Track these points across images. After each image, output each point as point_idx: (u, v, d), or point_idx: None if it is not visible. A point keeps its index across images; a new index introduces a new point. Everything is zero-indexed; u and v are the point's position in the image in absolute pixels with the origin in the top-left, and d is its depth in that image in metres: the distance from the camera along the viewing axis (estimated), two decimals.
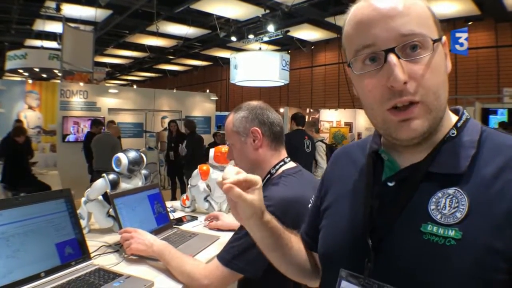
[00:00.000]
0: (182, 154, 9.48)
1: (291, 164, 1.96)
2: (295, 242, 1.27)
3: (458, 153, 0.92)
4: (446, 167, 0.91)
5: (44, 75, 18.08)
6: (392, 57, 0.86)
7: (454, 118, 1.00)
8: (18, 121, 10.14)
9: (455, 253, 0.82)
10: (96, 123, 10.14)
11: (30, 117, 11.50)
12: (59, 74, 16.05)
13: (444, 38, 0.95)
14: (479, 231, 0.81)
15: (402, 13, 0.87)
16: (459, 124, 0.97)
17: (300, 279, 1.34)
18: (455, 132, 0.96)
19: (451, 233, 0.83)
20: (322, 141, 7.88)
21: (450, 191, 0.88)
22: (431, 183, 0.91)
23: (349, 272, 0.97)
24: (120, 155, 2.60)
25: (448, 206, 0.86)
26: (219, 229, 2.54)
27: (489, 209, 0.83)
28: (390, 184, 0.97)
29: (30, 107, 12.38)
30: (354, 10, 0.96)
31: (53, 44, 16.54)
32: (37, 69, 17.16)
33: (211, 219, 2.70)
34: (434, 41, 0.89)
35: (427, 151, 0.95)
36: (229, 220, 2.56)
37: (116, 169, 2.59)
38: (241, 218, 1.09)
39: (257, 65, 13.92)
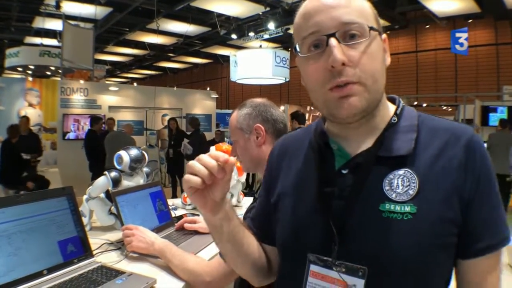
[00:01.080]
0: (188, 152, 9.44)
1: None
2: (252, 239, 1.26)
3: (402, 137, 1.01)
4: (394, 150, 1.00)
5: (38, 72, 17.99)
6: (332, 40, 0.94)
7: (391, 106, 1.10)
8: (23, 117, 10.13)
9: (413, 225, 0.92)
10: (97, 120, 10.16)
11: (31, 115, 11.48)
12: (52, 69, 16.08)
13: (384, 35, 1.05)
14: (431, 204, 0.93)
15: (344, 5, 0.97)
16: (398, 112, 1.07)
17: (258, 277, 1.31)
18: (396, 118, 1.06)
19: (407, 208, 0.93)
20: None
21: (401, 172, 0.97)
22: (382, 166, 1.00)
23: (317, 256, 1.02)
24: (122, 153, 2.60)
25: (401, 185, 0.96)
26: (197, 232, 2.48)
27: (437, 184, 0.95)
28: (344, 172, 1.03)
29: (31, 105, 12.41)
30: (303, 5, 1.04)
31: (53, 42, 16.53)
32: (31, 67, 17.12)
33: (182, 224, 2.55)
34: (372, 28, 0.97)
35: (373, 138, 1.03)
36: None
37: (118, 167, 2.59)
38: (210, 209, 1.05)
39: (252, 63, 13.97)
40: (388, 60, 1.06)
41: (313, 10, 0.99)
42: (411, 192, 0.94)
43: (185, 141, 9.57)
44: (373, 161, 1.00)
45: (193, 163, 0.98)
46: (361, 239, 0.96)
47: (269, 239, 1.24)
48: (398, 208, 0.94)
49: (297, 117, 7.76)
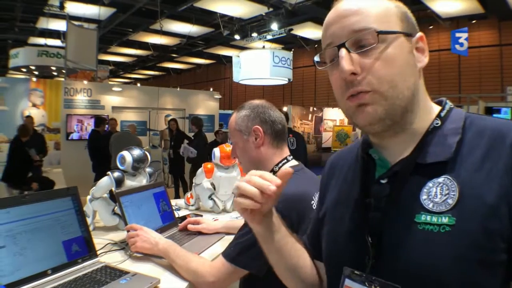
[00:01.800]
0: (191, 155, 9.41)
1: (294, 162, 1.98)
2: (302, 252, 1.26)
3: (443, 141, 0.94)
4: (433, 156, 0.93)
5: (40, 73, 18.01)
6: (342, 51, 0.93)
7: (436, 109, 1.03)
8: (28, 117, 10.16)
9: (450, 238, 0.84)
10: (102, 121, 10.19)
11: (34, 115, 11.48)
12: (54, 69, 16.07)
13: (419, 34, 0.99)
14: (472, 215, 0.83)
15: (356, 12, 0.94)
16: (442, 114, 1.00)
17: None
18: (439, 122, 0.98)
19: (445, 220, 0.85)
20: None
21: (440, 179, 0.90)
22: (421, 174, 0.93)
23: (351, 270, 0.98)
24: (125, 153, 2.61)
25: (439, 194, 0.88)
26: (201, 232, 2.48)
27: (480, 191, 0.84)
28: (383, 182, 0.99)
29: (34, 105, 12.42)
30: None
31: (57, 42, 16.55)
32: (32, 67, 17.13)
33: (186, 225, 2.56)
34: (384, 32, 0.93)
35: (413, 143, 0.98)
36: (214, 223, 2.53)
37: (121, 167, 2.61)
38: (258, 222, 1.09)
39: (252, 63, 13.99)
40: (424, 60, 0.99)
41: (329, 21, 0.99)
42: (450, 201, 0.86)
43: (185, 142, 9.45)
44: (410, 169, 0.95)
45: (244, 186, 0.98)
46: (395, 254, 0.91)
47: (319, 255, 1.22)
48: (434, 219, 0.87)
49: (196, 122, 8.94)
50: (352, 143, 1.35)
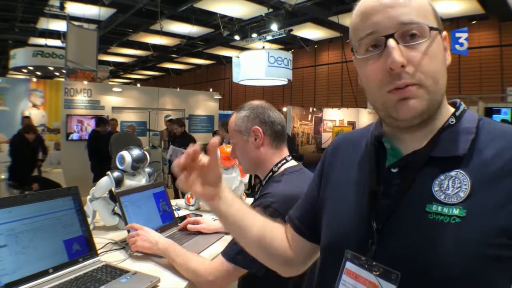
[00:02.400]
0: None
1: (293, 163, 2.00)
2: (270, 227, 1.31)
3: (458, 138, 0.96)
4: (447, 151, 0.94)
5: (39, 73, 17.99)
6: (391, 42, 0.91)
7: (451, 109, 1.04)
8: (26, 117, 10.19)
9: (460, 230, 0.85)
10: (103, 121, 10.20)
11: (35, 115, 11.54)
12: (51, 69, 16.06)
13: (444, 32, 1.00)
14: (482, 209, 0.85)
15: (403, 4, 0.93)
16: (457, 113, 1.01)
17: (269, 261, 1.36)
18: (454, 120, 1.00)
19: (456, 211, 0.87)
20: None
21: (453, 173, 0.91)
22: (433, 167, 0.95)
23: (353, 253, 1.00)
24: (124, 153, 2.63)
25: (451, 186, 0.90)
26: (200, 232, 2.49)
27: (491, 187, 0.86)
28: (394, 170, 1.00)
29: (35, 105, 12.46)
30: (360, 3, 1.01)
31: (57, 43, 16.56)
32: (31, 68, 17.12)
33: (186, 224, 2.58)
34: (432, 28, 0.94)
35: (428, 138, 0.99)
36: (213, 223, 2.54)
37: (120, 167, 2.62)
38: (210, 195, 1.17)
39: (248, 64, 13.97)
40: (449, 59, 1.02)
41: (370, 9, 0.96)
42: (461, 194, 0.88)
43: (172, 147, 9.30)
44: (424, 161, 0.96)
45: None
46: (401, 241, 0.92)
47: (308, 233, 1.27)
48: (446, 210, 0.88)
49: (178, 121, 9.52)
50: (356, 129, 1.37)
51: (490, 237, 0.83)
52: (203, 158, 1.11)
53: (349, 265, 1.01)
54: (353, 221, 1.04)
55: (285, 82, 15.03)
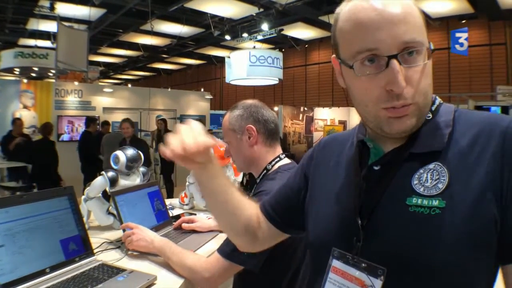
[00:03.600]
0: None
1: (286, 160, 2.02)
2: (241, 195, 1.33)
3: (435, 133, 0.97)
4: (426, 146, 0.96)
5: (26, 74, 17.86)
6: (395, 64, 0.90)
7: None
8: (18, 119, 10.14)
9: (440, 221, 0.87)
10: (93, 121, 10.19)
11: (25, 117, 11.46)
12: (36, 69, 15.96)
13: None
14: (462, 198, 0.87)
15: (404, 21, 0.91)
16: (433, 108, 1.03)
17: (235, 236, 1.40)
18: (430, 115, 1.01)
19: (435, 202, 0.89)
20: None
21: (431, 166, 0.93)
22: (413, 162, 0.97)
23: (339, 251, 1.02)
24: (118, 152, 2.64)
25: (430, 179, 0.92)
26: (195, 231, 2.51)
27: (469, 176, 0.89)
28: (376, 168, 1.03)
29: (25, 107, 12.36)
30: (352, 8, 0.97)
31: (47, 43, 16.46)
32: (17, 69, 16.97)
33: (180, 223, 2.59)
34: (430, 49, 0.95)
35: (407, 136, 1.00)
36: (208, 221, 2.56)
37: (115, 167, 2.63)
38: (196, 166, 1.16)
39: (234, 64, 13.97)
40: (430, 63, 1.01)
41: (371, 23, 0.92)
42: (440, 186, 0.90)
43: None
44: (404, 157, 0.98)
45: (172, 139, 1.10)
46: (385, 236, 0.94)
47: (275, 221, 1.31)
48: (425, 202, 0.90)
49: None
50: (343, 131, 1.39)
51: (472, 225, 0.85)
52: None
53: (335, 263, 1.02)
54: (338, 219, 1.06)
55: (275, 82, 15.00)
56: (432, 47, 0.98)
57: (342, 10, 1.00)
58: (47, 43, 16.49)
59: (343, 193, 1.09)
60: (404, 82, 0.90)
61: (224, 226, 1.38)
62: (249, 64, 13.40)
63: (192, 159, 1.09)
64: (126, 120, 8.55)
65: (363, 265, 0.95)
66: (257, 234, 1.34)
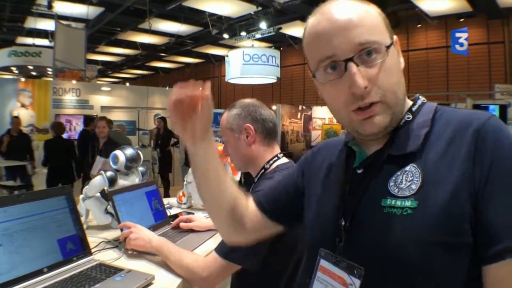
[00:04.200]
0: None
1: (284, 160, 2.02)
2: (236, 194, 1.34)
3: (412, 134, 1.00)
4: (403, 148, 0.99)
5: (34, 73, 17.86)
6: (351, 66, 0.95)
7: (410, 104, 1.09)
8: (16, 117, 10.13)
9: (412, 221, 0.89)
10: (92, 120, 10.20)
11: (23, 115, 11.46)
12: (31, 68, 15.94)
13: (395, 37, 1.04)
14: (434, 199, 0.88)
15: (357, 25, 0.96)
16: (413, 109, 1.06)
17: (223, 223, 1.39)
18: (410, 116, 1.05)
19: (407, 203, 0.91)
20: None
21: (407, 168, 0.96)
22: (392, 165, 1.00)
23: (325, 251, 1.06)
24: (118, 152, 2.63)
25: (405, 180, 0.95)
26: (193, 230, 2.51)
27: (442, 177, 0.90)
28: (359, 171, 1.07)
29: (23, 105, 12.37)
30: (312, 23, 1.04)
31: (45, 42, 16.43)
32: (13, 68, 16.95)
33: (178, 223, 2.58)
34: (387, 46, 0.98)
35: (388, 138, 1.04)
36: (206, 221, 2.56)
37: (114, 166, 2.62)
38: (194, 136, 1.17)
39: (230, 63, 14.03)
40: (402, 62, 1.06)
41: (326, 32, 0.98)
42: (413, 186, 0.92)
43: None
44: (383, 160, 1.01)
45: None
46: (363, 236, 0.97)
47: (269, 213, 1.33)
48: (398, 203, 0.92)
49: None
50: (340, 136, 1.42)
51: (444, 226, 0.86)
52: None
53: (322, 262, 1.07)
54: (326, 221, 1.10)
55: (273, 80, 15.02)
56: (395, 46, 1.03)
57: (306, 27, 1.07)
58: (45, 42, 16.46)
59: (330, 196, 1.12)
60: (363, 82, 0.94)
61: (210, 205, 1.37)
62: (242, 63, 13.45)
63: (194, 122, 1.12)
64: (102, 118, 8.15)
65: (344, 264, 0.99)
66: (244, 221, 1.34)
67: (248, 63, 13.73)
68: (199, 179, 1.29)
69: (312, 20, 1.05)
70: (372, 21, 0.98)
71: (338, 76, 0.98)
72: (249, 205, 1.37)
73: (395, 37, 1.04)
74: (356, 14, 0.97)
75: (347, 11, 0.98)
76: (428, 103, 1.08)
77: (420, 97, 1.10)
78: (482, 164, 0.87)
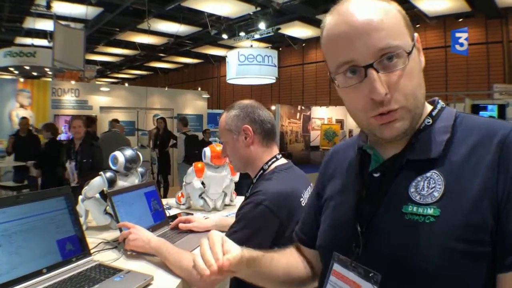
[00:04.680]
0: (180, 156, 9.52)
1: (283, 161, 2.03)
2: (279, 257, 1.29)
3: (433, 139, 0.98)
4: (423, 153, 0.97)
5: (35, 73, 17.87)
6: (372, 73, 0.92)
7: (429, 108, 1.06)
8: (23, 118, 10.09)
9: (435, 229, 0.87)
10: (94, 121, 10.21)
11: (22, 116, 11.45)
12: (27, 68, 15.93)
13: (416, 36, 0.99)
14: (456, 207, 0.87)
15: (377, 28, 0.92)
16: (434, 113, 1.04)
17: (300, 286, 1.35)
18: (430, 120, 1.02)
19: (430, 211, 0.89)
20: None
21: (428, 174, 0.94)
22: (411, 169, 0.98)
23: (339, 256, 1.05)
24: (117, 153, 2.63)
25: (426, 187, 0.92)
26: (192, 230, 2.51)
27: (464, 185, 0.88)
28: (376, 175, 1.04)
29: (22, 106, 12.36)
30: (330, 24, 1.00)
31: (44, 42, 16.43)
32: (11, 68, 16.93)
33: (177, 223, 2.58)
34: (409, 52, 0.94)
35: (406, 141, 1.01)
36: (205, 221, 2.56)
37: (113, 167, 2.63)
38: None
39: (229, 63, 14.08)
40: (423, 60, 1.02)
41: (345, 36, 0.94)
42: (436, 194, 0.90)
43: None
44: (402, 164, 0.99)
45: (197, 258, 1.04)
46: (382, 242, 0.95)
47: (310, 242, 1.28)
48: (420, 210, 0.90)
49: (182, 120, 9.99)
50: (347, 139, 1.42)
51: (466, 234, 0.84)
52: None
53: (336, 267, 1.05)
54: (341, 225, 1.08)
55: (272, 80, 15.02)
56: (416, 44, 0.98)
57: (323, 27, 1.03)
58: (43, 42, 16.46)
59: (346, 200, 1.10)
60: (383, 89, 0.91)
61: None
62: (238, 64, 13.49)
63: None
64: (77, 117, 7.20)
65: (361, 270, 0.97)
66: (312, 267, 1.32)
67: (243, 63, 13.77)
68: (261, 284, 1.24)
69: (329, 19, 1.01)
70: (393, 23, 0.94)
71: (358, 81, 0.95)
72: (301, 251, 1.35)
73: (416, 35, 0.99)
74: (376, 15, 0.93)
75: (367, 12, 0.93)
76: (448, 108, 1.06)
77: (439, 101, 1.07)
78: (506, 174, 0.86)
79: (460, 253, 0.84)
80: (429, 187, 0.92)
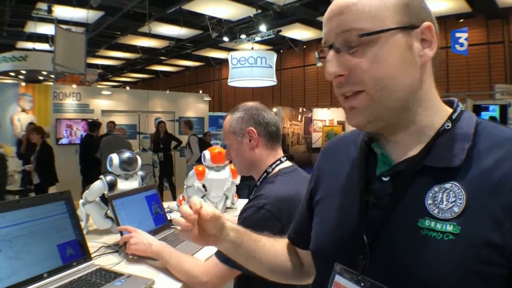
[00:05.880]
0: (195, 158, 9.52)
1: (287, 163, 2.01)
2: (268, 242, 1.33)
3: (453, 146, 0.89)
4: (442, 160, 0.88)
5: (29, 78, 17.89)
6: (328, 52, 0.92)
7: (448, 110, 0.97)
8: (31, 123, 10.09)
9: (453, 247, 0.81)
10: (98, 125, 10.22)
11: (24, 120, 11.45)
12: (24, 72, 15.95)
13: (426, 23, 0.91)
14: (477, 225, 0.80)
15: (346, 10, 0.90)
16: (454, 117, 0.94)
17: (283, 279, 1.38)
18: (450, 124, 0.93)
19: (449, 228, 0.82)
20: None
21: (447, 185, 0.85)
22: (427, 177, 0.89)
23: (343, 267, 0.96)
24: (113, 155, 2.64)
25: (446, 200, 0.84)
26: None
27: (487, 203, 0.81)
28: (385, 179, 0.95)
29: (24, 110, 12.33)
30: None
31: (45, 46, 16.46)
32: (12, 74, 16.97)
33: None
34: (372, 33, 0.88)
35: (421, 144, 0.93)
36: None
37: (110, 169, 2.63)
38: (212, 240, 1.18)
39: (230, 67, 14.17)
40: (428, 53, 0.93)
41: (325, 18, 0.95)
42: (456, 209, 0.82)
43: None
44: (417, 170, 0.90)
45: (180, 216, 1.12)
46: (392, 256, 0.88)
47: (303, 244, 1.26)
48: (439, 226, 0.83)
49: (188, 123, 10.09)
50: (344, 133, 1.35)
51: (483, 255, 0.79)
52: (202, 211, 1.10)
53: (338, 279, 0.97)
54: (343, 232, 1.00)
55: (273, 83, 15.01)
56: (426, 23, 0.91)
57: None
58: (45, 46, 16.49)
59: (348, 204, 1.02)
60: (332, 68, 0.91)
61: (269, 276, 1.36)
62: (231, 67, 13.54)
63: (206, 230, 1.13)
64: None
65: (368, 284, 0.90)
66: (301, 262, 1.33)
67: (235, 66, 13.86)
68: (244, 263, 1.31)
69: None
70: (371, 6, 0.88)
71: (324, 62, 0.94)
72: (292, 247, 1.36)
73: (426, 23, 0.91)
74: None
75: None
76: (467, 112, 0.97)
77: (459, 103, 0.99)
78: None
79: (475, 273, 0.79)
80: (448, 201, 0.84)
